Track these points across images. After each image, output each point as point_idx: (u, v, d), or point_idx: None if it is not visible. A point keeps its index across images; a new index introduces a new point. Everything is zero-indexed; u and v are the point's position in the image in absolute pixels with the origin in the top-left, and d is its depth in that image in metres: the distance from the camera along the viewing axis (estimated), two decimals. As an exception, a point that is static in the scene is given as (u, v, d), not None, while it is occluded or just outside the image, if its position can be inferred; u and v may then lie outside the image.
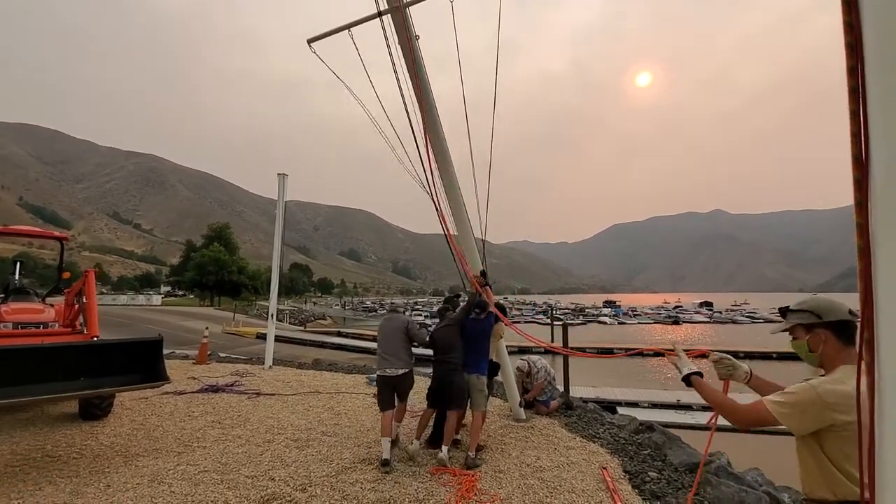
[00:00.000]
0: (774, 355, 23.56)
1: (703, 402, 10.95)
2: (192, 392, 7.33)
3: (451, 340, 4.86)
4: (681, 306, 75.77)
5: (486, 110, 5.10)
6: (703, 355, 2.23)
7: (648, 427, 5.84)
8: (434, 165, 4.81)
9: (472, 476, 4.13)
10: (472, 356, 4.89)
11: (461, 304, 5.46)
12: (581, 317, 56.97)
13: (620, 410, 12.43)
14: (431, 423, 4.99)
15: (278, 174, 10.33)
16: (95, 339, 5.22)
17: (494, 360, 5.55)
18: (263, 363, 10.15)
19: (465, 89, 5.04)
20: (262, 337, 27.76)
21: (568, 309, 67.87)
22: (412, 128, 4.69)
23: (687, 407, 13.21)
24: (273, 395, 7.19)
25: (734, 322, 52.48)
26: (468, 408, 4.87)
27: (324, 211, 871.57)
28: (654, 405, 13.50)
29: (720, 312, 61.88)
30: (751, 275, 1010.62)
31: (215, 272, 59.37)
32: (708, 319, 55.17)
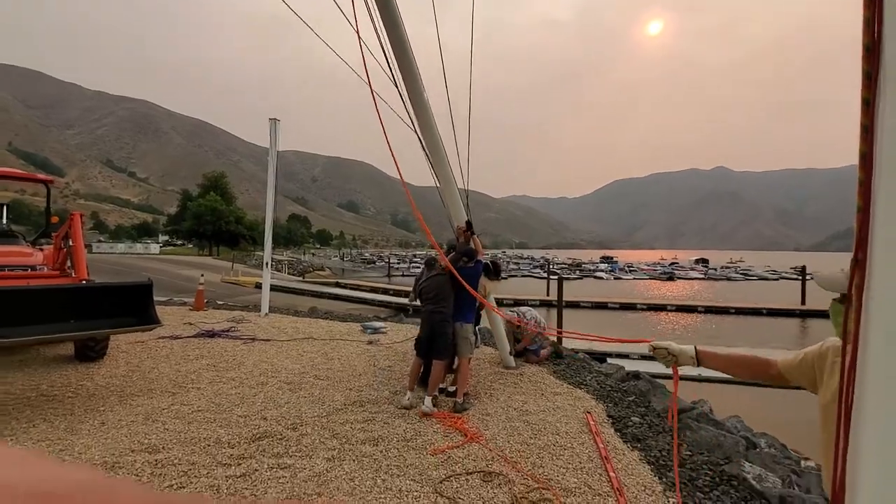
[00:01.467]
0: (765, 311, 23.94)
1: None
2: (188, 337, 7.43)
3: (441, 289, 4.85)
4: (677, 263, 76.23)
5: (467, 57, 4.78)
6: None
7: (635, 375, 5.98)
8: (406, 95, 4.52)
9: (460, 418, 4.24)
10: (457, 305, 4.93)
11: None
12: (578, 272, 57.41)
13: (610, 361, 12.80)
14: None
15: (270, 119, 10.00)
16: (84, 281, 5.20)
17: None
18: (260, 310, 10.25)
19: (444, 33, 4.71)
20: (261, 286, 28.08)
21: (565, 264, 68.29)
22: (387, 58, 4.28)
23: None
24: (268, 340, 7.31)
25: (728, 279, 52.97)
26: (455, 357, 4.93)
27: (322, 162, 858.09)
28: (644, 357, 13.82)
29: (715, 269, 62.36)
30: (748, 233, 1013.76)
31: (212, 222, 59.15)
32: (703, 276, 55.64)
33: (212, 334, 7.59)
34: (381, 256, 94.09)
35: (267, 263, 10.24)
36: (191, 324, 8.58)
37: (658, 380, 6.64)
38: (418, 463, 3.37)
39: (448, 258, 5.11)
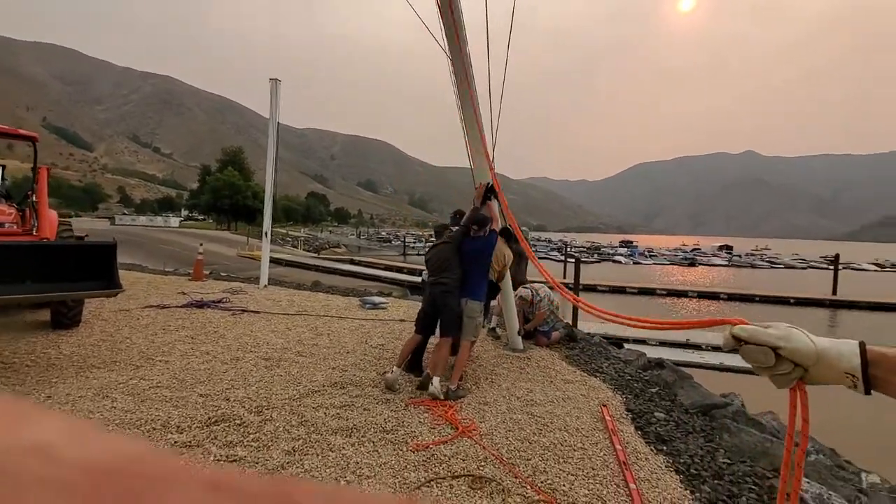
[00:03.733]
0: (792, 300, 22.77)
1: (712, 342, 10.17)
2: (176, 306, 6.99)
3: (446, 259, 4.26)
4: (699, 249, 73.93)
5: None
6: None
7: (658, 364, 5.30)
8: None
9: (452, 406, 3.65)
10: (466, 278, 4.30)
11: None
12: (596, 255, 56.05)
13: (627, 347, 12.09)
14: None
15: (270, 79, 9.38)
16: (45, 241, 4.73)
17: (493, 278, 4.95)
18: (259, 283, 9.81)
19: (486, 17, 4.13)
20: (276, 261, 27.97)
21: (583, 247, 66.84)
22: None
23: (696, 346, 12.76)
24: (258, 312, 6.81)
25: (753, 266, 51.01)
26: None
27: (341, 139, 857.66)
28: (663, 343, 13.07)
29: (739, 256, 60.16)
30: (778, 221, 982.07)
31: (230, 196, 59.39)
32: (726, 263, 53.71)
33: (201, 304, 7.14)
34: (397, 235, 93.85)
35: (266, 233, 9.76)
36: (184, 293, 8.16)
37: (684, 368, 5.96)
38: (394, 461, 2.79)
39: (459, 227, 4.51)
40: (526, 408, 3.70)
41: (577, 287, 14.57)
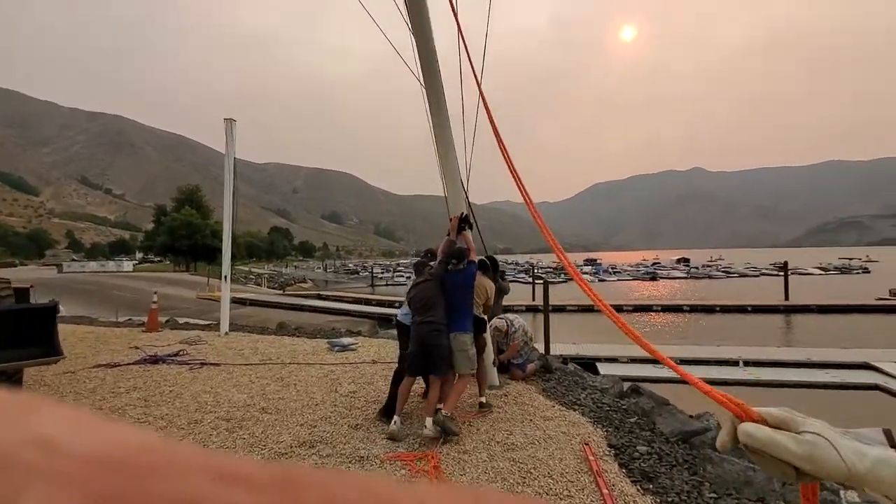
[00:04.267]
0: (749, 308, 23.74)
1: (681, 356, 10.29)
2: (127, 364, 6.50)
3: (430, 297, 4.17)
4: (658, 263, 76.59)
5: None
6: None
7: (634, 390, 5.28)
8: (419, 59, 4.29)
9: (433, 456, 3.47)
10: (451, 313, 4.23)
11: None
12: (563, 275, 57.11)
13: (600, 367, 12.12)
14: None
15: (225, 119, 9.17)
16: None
17: (479, 315, 4.88)
18: (219, 329, 9.33)
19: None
20: (239, 302, 26.92)
21: (550, 267, 67.99)
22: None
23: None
24: (218, 364, 6.41)
25: (710, 277, 53.21)
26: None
27: (304, 173, 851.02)
28: (633, 360, 13.25)
29: (697, 268, 62.65)
30: (725, 231, 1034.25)
31: (188, 236, 57.34)
32: (685, 275, 55.81)
33: (155, 360, 6.67)
34: (364, 266, 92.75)
35: (225, 277, 9.33)
36: (136, 347, 7.63)
37: (657, 384, 5.97)
38: (372, 531, 2.58)
39: (436, 262, 4.44)
40: (507, 453, 3.56)
41: (546, 309, 14.67)
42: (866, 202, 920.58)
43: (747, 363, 11.58)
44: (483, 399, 4.57)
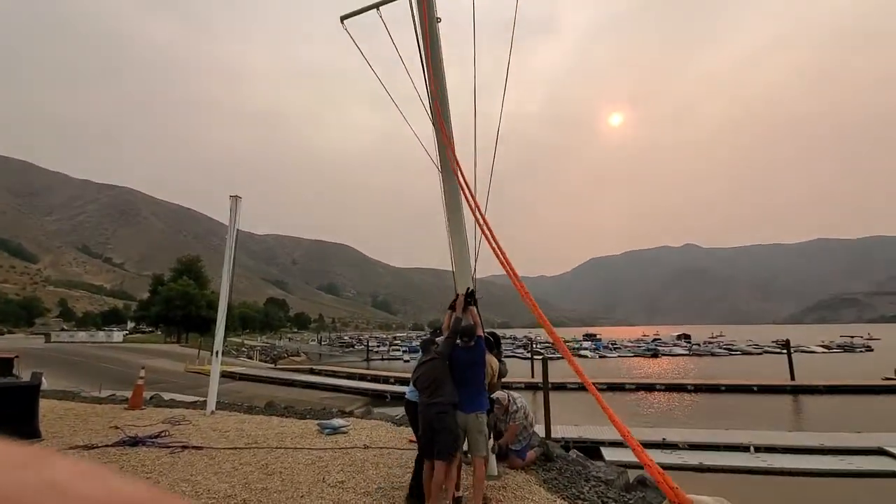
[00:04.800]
0: (755, 388, 23.09)
1: (689, 440, 9.92)
2: (105, 446, 6.14)
3: (437, 377, 4.05)
4: (659, 339, 75.57)
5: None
6: None
7: (641, 482, 4.98)
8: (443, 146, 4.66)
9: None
10: (464, 391, 4.09)
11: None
12: (562, 350, 55.92)
13: (604, 451, 11.50)
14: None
15: (230, 196, 9.49)
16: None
17: (492, 396, 4.73)
18: (206, 408, 8.94)
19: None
20: (229, 375, 26.06)
21: (548, 343, 66.88)
22: (428, 111, 4.65)
23: (673, 446, 12.36)
24: (200, 448, 6.07)
25: (713, 354, 52.26)
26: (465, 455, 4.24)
27: (304, 245, 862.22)
28: (640, 444, 12.63)
29: (698, 345, 61.71)
30: (724, 307, 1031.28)
31: (183, 306, 56.78)
32: (687, 352, 54.84)
33: (134, 442, 6.32)
34: (360, 339, 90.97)
35: (217, 352, 9.12)
36: (117, 427, 7.25)
37: (664, 472, 5.62)
38: None
39: (442, 340, 4.37)
40: (506, 556, 3.28)
41: (546, 387, 14.19)
42: (857, 280, 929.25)
43: (758, 448, 11.05)
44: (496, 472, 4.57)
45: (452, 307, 4.64)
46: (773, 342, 58.05)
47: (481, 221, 3.88)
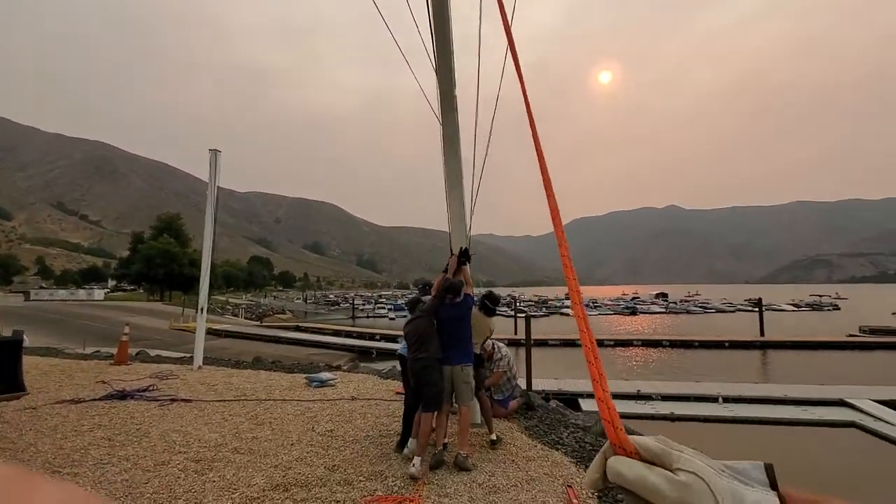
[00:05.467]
0: (727, 343, 24.07)
1: (662, 392, 10.31)
2: (93, 400, 6.19)
3: (423, 333, 4.24)
4: (638, 297, 77.54)
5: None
6: None
7: (616, 429, 5.24)
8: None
9: (412, 501, 3.35)
10: (451, 345, 4.29)
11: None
12: (544, 308, 57.23)
13: (582, 402, 12.01)
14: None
15: (210, 150, 9.18)
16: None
17: (478, 351, 4.87)
18: (192, 363, 9.02)
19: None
20: (215, 333, 26.12)
21: (531, 301, 68.15)
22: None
23: (647, 397, 12.97)
24: (190, 401, 6.17)
25: (688, 312, 54.02)
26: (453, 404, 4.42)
27: (287, 203, 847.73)
28: (615, 396, 12.91)
29: (675, 303, 63.58)
30: (702, 267, 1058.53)
31: (164, 265, 56.04)
32: (663, 310, 56.55)
33: (123, 395, 6.38)
34: (345, 298, 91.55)
35: (202, 309, 9.10)
36: (104, 382, 7.29)
37: (637, 421, 5.94)
38: (347, 583, 2.46)
39: (431, 297, 4.49)
40: (489, 496, 3.47)
41: (528, 344, 14.60)
42: (832, 241, 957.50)
43: (726, 399, 11.64)
44: (494, 436, 4.59)
45: (446, 270, 4.74)
46: (745, 301, 60.14)
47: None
